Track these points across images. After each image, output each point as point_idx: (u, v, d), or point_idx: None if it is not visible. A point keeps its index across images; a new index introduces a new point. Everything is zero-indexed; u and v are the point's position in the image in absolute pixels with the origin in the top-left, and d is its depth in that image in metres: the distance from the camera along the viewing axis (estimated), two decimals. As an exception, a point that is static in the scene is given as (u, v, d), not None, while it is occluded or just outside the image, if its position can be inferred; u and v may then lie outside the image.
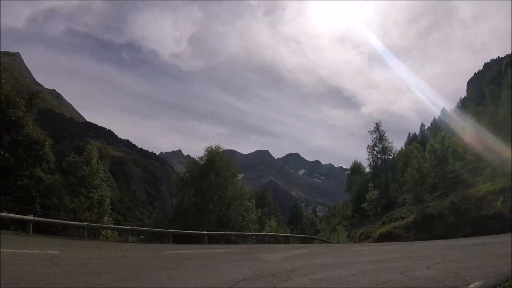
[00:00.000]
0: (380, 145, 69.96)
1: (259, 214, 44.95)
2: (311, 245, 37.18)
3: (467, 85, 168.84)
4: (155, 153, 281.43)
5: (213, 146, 40.13)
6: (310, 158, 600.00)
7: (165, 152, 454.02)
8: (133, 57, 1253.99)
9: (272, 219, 46.94)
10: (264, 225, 44.23)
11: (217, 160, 38.72)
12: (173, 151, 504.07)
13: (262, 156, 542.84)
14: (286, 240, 39.66)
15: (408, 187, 46.92)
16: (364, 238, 49.23)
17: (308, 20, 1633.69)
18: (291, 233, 70.09)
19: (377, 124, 70.42)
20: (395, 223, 46.60)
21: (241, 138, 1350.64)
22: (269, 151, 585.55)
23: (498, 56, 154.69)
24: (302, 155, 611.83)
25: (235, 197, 38.59)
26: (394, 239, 41.72)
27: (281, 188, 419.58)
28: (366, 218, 63.92)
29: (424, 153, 62.37)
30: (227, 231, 34.53)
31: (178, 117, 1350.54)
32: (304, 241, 42.58)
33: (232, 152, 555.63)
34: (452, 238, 34.08)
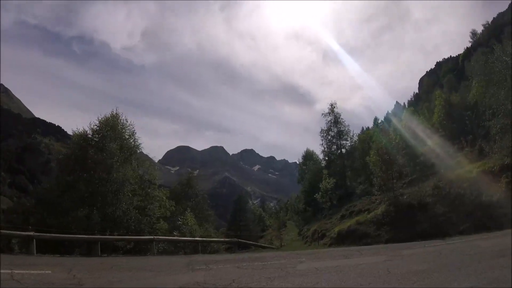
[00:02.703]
0: (335, 129, 59.26)
1: (172, 207, 33.33)
2: (228, 256, 25.55)
3: (419, 83, 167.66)
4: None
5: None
6: (265, 154, 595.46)
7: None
8: (84, 50, 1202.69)
9: (188, 214, 34.59)
10: (176, 223, 33.08)
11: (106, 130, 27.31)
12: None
13: (217, 152, 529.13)
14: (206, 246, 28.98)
15: (375, 170, 35.52)
16: (318, 237, 37.76)
17: (264, 17, 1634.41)
18: (232, 233, 59.28)
19: (331, 105, 59.89)
20: (358, 217, 35.03)
21: (195, 134, 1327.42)
22: (224, 147, 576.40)
23: (450, 56, 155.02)
24: (257, 151, 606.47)
25: (126, 182, 26.68)
26: (359, 238, 30.43)
27: (236, 184, 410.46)
28: (321, 212, 54.22)
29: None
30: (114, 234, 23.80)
31: (131, 113, 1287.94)
32: (240, 245, 31.26)
33: (187, 149, 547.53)
34: (447, 236, 24.07)
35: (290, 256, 19.70)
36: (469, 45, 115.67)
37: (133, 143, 31.68)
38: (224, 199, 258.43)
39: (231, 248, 34.10)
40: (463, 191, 28.10)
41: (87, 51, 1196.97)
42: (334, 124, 59.49)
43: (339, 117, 59.46)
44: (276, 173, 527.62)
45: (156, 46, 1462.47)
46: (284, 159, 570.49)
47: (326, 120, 59.94)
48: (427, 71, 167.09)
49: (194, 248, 29.46)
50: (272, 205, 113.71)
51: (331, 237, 34.28)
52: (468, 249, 15.65)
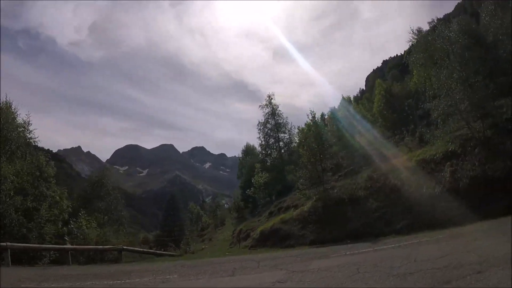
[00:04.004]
0: (273, 121, 54.36)
1: (69, 208, 27.19)
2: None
3: (366, 80, 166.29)
4: (51, 151, 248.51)
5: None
6: (215, 151, 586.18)
7: (64, 149, 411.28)
8: (29, 45, 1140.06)
9: (83, 216, 28.25)
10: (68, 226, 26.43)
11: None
12: (72, 147, 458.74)
13: (167, 150, 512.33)
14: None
15: (303, 162, 30.64)
16: (243, 237, 32.66)
17: (215, 14, 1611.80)
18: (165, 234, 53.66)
19: (269, 96, 54.98)
20: (284, 214, 30.13)
21: (145, 132, 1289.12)
22: (174, 145, 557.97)
23: (396, 54, 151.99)
24: (207, 149, 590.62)
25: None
26: (283, 239, 25.66)
27: (188, 182, 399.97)
28: (258, 209, 50.52)
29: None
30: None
31: (78, 111, 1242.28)
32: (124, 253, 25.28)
33: (136, 147, 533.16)
34: (382, 236, 20.06)
35: (162, 270, 15.33)
36: (414, 42, 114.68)
37: (23, 135, 26.54)
38: (175, 198, 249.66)
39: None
40: (400, 183, 23.60)
41: (32, 46, 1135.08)
42: (272, 116, 54.66)
43: (276, 109, 54.57)
44: (228, 170, 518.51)
45: (105, 42, 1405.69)
46: (235, 156, 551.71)
47: (263, 112, 54.72)
48: (373, 69, 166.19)
49: (90, 257, 23.67)
50: (224, 202, 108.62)
51: (254, 238, 29.17)
52: (399, 262, 10.57)
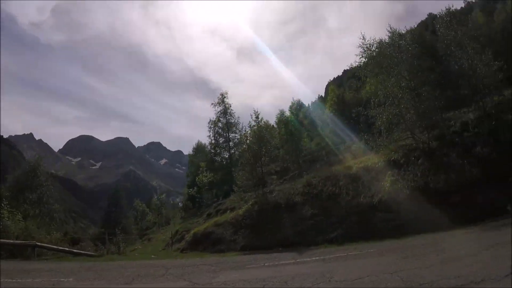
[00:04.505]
0: (225, 120, 52.64)
1: None
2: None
3: (325, 88, 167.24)
4: (1, 136, 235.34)
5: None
6: (172, 147, 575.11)
7: (15, 135, 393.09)
8: None
9: (4, 205, 25.52)
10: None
11: None
12: (24, 134, 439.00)
13: (122, 143, 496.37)
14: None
15: (242, 163, 29.27)
16: (178, 239, 30.78)
17: (182, 7, 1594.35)
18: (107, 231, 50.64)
19: (222, 95, 53.27)
20: (220, 216, 28.53)
21: (101, 123, 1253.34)
22: (130, 139, 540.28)
23: (358, 65, 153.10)
24: (164, 144, 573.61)
25: None
26: (215, 243, 23.83)
27: (141, 177, 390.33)
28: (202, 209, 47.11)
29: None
30: None
31: (33, 95, 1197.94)
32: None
33: (90, 138, 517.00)
34: (313, 245, 18.85)
35: (63, 271, 13.94)
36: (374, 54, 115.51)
37: None
38: (127, 194, 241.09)
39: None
40: (338, 190, 22.37)
41: None
42: (224, 115, 52.95)
43: (229, 108, 52.91)
44: (183, 167, 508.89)
45: (66, 25, 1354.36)
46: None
47: (215, 110, 52.90)
48: (334, 78, 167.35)
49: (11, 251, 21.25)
50: (178, 201, 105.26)
51: (186, 241, 27.33)
52: (312, 280, 9.12)
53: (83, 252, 24.89)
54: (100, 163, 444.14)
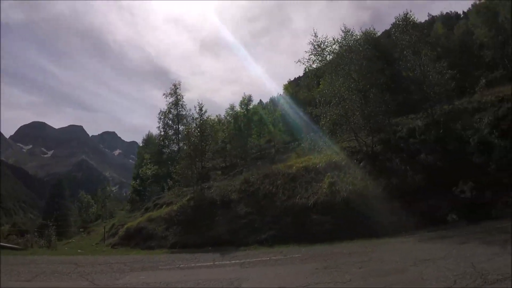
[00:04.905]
0: (175, 111, 50.84)
1: None
2: None
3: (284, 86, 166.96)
4: None
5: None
6: (127, 138, 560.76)
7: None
8: None
9: None
10: None
11: None
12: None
13: (75, 132, 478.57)
14: None
15: (181, 156, 28.20)
16: (113, 234, 29.17)
17: None
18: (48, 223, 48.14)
19: (175, 85, 51.30)
20: (155, 211, 27.20)
21: (54, 109, 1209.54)
22: (84, 127, 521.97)
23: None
24: (119, 134, 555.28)
25: None
26: (146, 239, 22.43)
27: (94, 168, 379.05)
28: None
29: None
30: None
31: None
32: None
33: (43, 125, 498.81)
34: (243, 246, 17.80)
35: None
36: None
37: None
38: (79, 184, 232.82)
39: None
40: (275, 189, 21.51)
41: None
42: (175, 107, 51.06)
43: (181, 99, 51.09)
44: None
45: (25, 4, 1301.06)
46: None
47: (167, 101, 50.89)
48: (295, 77, 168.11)
49: None
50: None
51: (119, 236, 25.83)
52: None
53: (6, 245, 23.17)
54: (52, 151, 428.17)
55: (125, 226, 26.26)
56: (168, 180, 29.41)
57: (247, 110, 42.55)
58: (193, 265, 13.33)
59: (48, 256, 19.29)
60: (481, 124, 20.33)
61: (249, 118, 42.20)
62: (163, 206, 27.49)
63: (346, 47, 24.86)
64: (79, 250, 24.06)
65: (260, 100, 74.17)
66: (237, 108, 42.12)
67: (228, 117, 44.21)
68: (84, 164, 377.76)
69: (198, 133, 27.44)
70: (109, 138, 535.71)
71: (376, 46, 28.36)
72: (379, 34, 34.47)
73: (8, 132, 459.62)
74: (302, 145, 34.66)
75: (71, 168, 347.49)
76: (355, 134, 23.75)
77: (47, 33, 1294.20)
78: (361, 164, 21.48)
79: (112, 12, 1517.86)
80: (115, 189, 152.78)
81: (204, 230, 20.56)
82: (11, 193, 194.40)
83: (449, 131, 21.35)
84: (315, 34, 25.38)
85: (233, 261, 13.27)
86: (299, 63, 25.87)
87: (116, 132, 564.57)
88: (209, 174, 35.35)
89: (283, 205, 19.99)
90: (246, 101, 42.35)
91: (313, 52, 25.43)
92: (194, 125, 31.00)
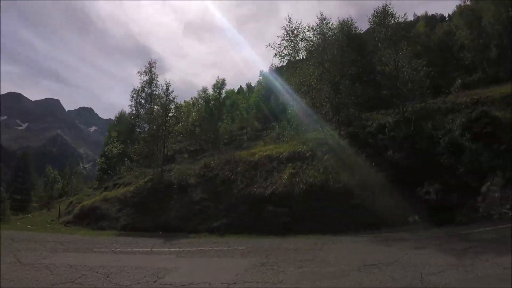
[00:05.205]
0: (149, 90, 49.35)
1: None
2: None
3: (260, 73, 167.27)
4: None
5: None
6: (104, 115, 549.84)
7: None
8: None
9: None
10: None
11: None
12: None
13: (51, 105, 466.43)
14: None
15: (144, 137, 27.36)
16: (69, 212, 28.13)
17: None
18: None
19: (150, 63, 49.57)
20: (113, 191, 26.22)
21: (31, 81, 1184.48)
22: (60, 101, 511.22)
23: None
24: (96, 111, 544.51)
25: None
26: (98, 219, 21.78)
27: (69, 144, 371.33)
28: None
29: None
30: None
31: None
32: None
33: (19, 97, 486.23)
34: (193, 234, 17.13)
35: None
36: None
37: None
38: (53, 159, 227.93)
39: None
40: (234, 176, 20.71)
41: None
42: (149, 86, 49.52)
43: (155, 78, 49.59)
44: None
45: None
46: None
47: (141, 79, 49.28)
48: (277, 66, 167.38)
49: None
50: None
51: (74, 214, 24.89)
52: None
53: None
54: (26, 124, 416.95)
55: (80, 205, 25.36)
56: (126, 159, 28.45)
57: (219, 94, 41.48)
58: (129, 250, 12.74)
59: None
60: (453, 125, 19.55)
61: (221, 102, 41.19)
62: (120, 186, 26.62)
63: (320, 36, 24.02)
64: (28, 226, 23.32)
65: (240, 86, 72.96)
66: (210, 91, 41.02)
67: (200, 100, 43.07)
68: (59, 139, 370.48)
69: (162, 113, 26.53)
70: (86, 114, 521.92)
71: (351, 36, 27.68)
72: (363, 31, 33.73)
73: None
74: (272, 133, 34.11)
75: (45, 142, 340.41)
76: (321, 125, 23.10)
77: (28, 4, 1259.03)
78: (326, 156, 20.52)
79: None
80: (88, 167, 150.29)
81: (157, 214, 19.80)
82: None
83: (419, 129, 20.64)
84: (290, 19, 24.49)
85: (172, 249, 12.57)
86: (269, 47, 24.68)
87: (93, 109, 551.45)
88: (175, 157, 34.47)
89: (240, 193, 19.25)
90: (219, 84, 41.27)
91: (285, 38, 24.46)
92: (155, 102, 29.96)
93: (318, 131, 23.91)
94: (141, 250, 12.73)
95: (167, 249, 12.77)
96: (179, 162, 30.79)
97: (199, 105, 41.96)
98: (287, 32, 24.48)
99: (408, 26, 29.94)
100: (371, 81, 25.63)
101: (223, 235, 16.29)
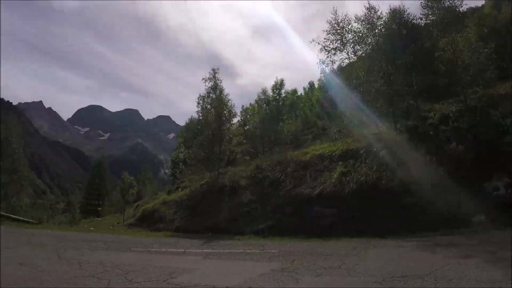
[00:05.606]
0: (214, 95, 50.60)
1: None
2: None
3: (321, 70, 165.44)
4: (11, 103, 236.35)
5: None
6: (181, 122, 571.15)
7: (25, 103, 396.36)
8: None
9: None
10: None
11: None
12: (34, 102, 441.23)
13: (131, 115, 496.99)
14: None
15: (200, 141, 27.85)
16: (135, 215, 29.46)
17: None
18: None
19: (213, 70, 50.75)
20: (172, 195, 27.28)
21: (110, 93, 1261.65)
22: (139, 111, 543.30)
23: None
24: (173, 118, 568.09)
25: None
26: (157, 222, 22.81)
27: (149, 151, 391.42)
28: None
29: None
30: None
31: (44, 62, 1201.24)
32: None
33: (100, 109, 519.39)
34: (239, 236, 17.09)
35: None
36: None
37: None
38: (133, 167, 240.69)
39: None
40: (283, 177, 20.38)
41: None
42: (213, 91, 50.86)
43: (219, 84, 50.80)
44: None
45: None
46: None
47: (206, 85, 50.71)
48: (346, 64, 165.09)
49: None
50: None
51: (136, 217, 26.12)
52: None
53: (22, 218, 24.34)
54: (108, 134, 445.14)
55: (141, 208, 26.55)
56: (180, 164, 29.27)
57: (279, 94, 41.45)
58: (164, 250, 13.14)
59: (53, 230, 19.98)
60: (524, 112, 17.50)
61: (280, 103, 41.17)
62: (180, 190, 27.50)
63: (368, 26, 22.99)
64: (91, 228, 24.77)
65: (309, 82, 71.95)
66: (269, 92, 41.14)
67: (259, 102, 43.37)
68: (139, 147, 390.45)
69: (214, 117, 27.03)
70: (164, 122, 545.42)
71: (404, 24, 26.16)
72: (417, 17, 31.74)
73: (66, 115, 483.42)
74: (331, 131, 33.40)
75: (127, 151, 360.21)
76: (376, 120, 22.16)
77: (102, 20, 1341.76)
78: (381, 153, 19.19)
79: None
80: (169, 172, 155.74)
81: (207, 216, 20.15)
82: (68, 173, 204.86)
83: (485, 118, 18.65)
84: (335, 12, 23.74)
85: (205, 250, 12.68)
86: (313, 42, 24.09)
87: (170, 116, 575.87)
88: (237, 159, 34.89)
89: (288, 194, 18.88)
90: (278, 85, 41.29)
91: (331, 32, 23.72)
92: (210, 107, 30.49)
93: (373, 127, 22.96)
94: (175, 250, 12.98)
95: (199, 250, 12.90)
96: (239, 164, 31.15)
97: (259, 107, 42.16)
98: (332, 25, 23.76)
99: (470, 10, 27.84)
100: (427, 69, 23.67)
101: (267, 237, 16.10)
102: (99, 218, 36.56)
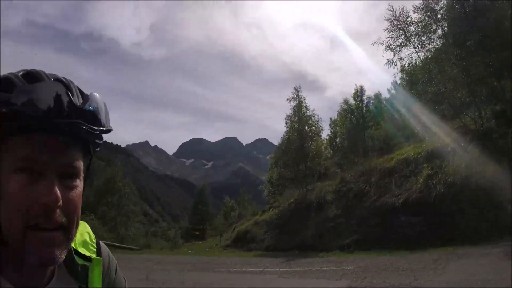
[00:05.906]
0: (300, 114, 51.04)
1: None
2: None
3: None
4: (120, 145, 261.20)
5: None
6: (277, 142, 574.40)
7: (132, 144, 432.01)
8: (93, 47, 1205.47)
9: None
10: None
11: None
12: (140, 142, 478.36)
13: (230, 143, 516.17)
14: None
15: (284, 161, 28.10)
16: (231, 236, 30.48)
17: (269, 7, 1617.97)
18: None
19: (296, 89, 51.27)
20: (263, 215, 27.73)
21: (207, 125, 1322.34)
22: (237, 138, 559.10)
23: None
24: (270, 140, 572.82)
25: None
26: (249, 242, 23.40)
27: (251, 173, 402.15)
28: None
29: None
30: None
31: (141, 107, 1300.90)
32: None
33: (200, 141, 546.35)
34: (324, 252, 16.79)
35: None
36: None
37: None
38: (237, 191, 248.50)
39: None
40: (367, 187, 19.61)
41: (96, 48, 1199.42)
42: (298, 109, 51.50)
43: (303, 102, 51.21)
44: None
45: (164, 40, 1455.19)
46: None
47: (290, 105, 51.40)
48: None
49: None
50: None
51: (231, 238, 26.98)
52: None
53: (126, 246, 26.54)
54: (211, 162, 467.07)
55: (236, 230, 27.44)
56: (266, 183, 29.78)
57: (361, 101, 40.56)
58: (243, 270, 13.56)
59: (151, 255, 21.62)
60: None
61: (365, 109, 40.29)
62: (270, 210, 28.00)
63: (429, 13, 21.48)
64: (189, 251, 26.09)
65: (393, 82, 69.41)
66: (351, 101, 40.46)
67: (343, 112, 42.74)
68: (241, 171, 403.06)
69: (296, 136, 27.28)
70: (261, 144, 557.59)
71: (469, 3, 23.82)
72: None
73: (171, 150, 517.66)
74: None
75: (229, 176, 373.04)
76: (455, 111, 20.59)
77: (189, 61, 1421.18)
78: (469, 147, 17.23)
79: (241, 31, 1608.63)
80: (265, 192, 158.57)
81: (295, 234, 20.28)
82: (177, 202, 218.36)
83: None
84: (392, 7, 22.84)
85: (282, 269, 12.93)
86: (375, 44, 23.41)
87: (267, 138, 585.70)
88: (328, 173, 34.64)
89: (372, 205, 18.10)
90: (358, 92, 40.43)
91: (393, 28, 22.84)
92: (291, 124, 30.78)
93: (455, 120, 21.16)
94: (254, 270, 13.33)
95: (277, 269, 13.10)
96: (330, 178, 30.92)
97: (343, 118, 41.65)
98: (391, 21, 22.90)
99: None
100: (504, 44, 20.65)
101: (352, 252, 15.75)
102: (199, 242, 38.40)
